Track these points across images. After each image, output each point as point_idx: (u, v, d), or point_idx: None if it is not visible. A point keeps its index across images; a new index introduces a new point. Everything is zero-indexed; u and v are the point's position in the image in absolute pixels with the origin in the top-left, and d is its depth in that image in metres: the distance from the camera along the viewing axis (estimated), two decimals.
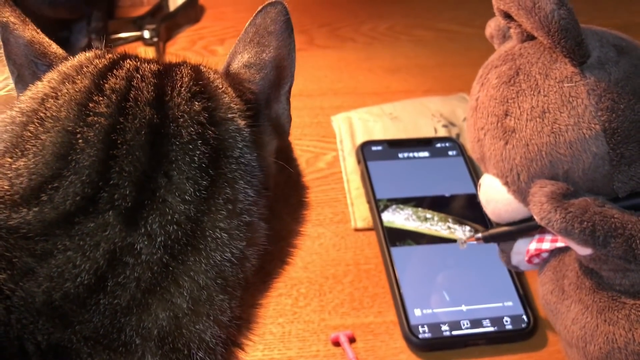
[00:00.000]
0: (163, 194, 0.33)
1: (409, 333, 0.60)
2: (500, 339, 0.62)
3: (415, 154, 0.77)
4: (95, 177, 0.33)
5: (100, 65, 0.38)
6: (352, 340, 0.61)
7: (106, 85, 0.36)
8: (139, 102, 0.35)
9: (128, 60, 0.39)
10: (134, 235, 0.33)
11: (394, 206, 0.70)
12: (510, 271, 0.65)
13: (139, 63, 0.39)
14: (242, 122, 0.37)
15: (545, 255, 0.55)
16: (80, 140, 0.34)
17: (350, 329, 0.61)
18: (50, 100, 0.36)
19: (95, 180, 0.33)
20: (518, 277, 0.65)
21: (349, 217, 0.71)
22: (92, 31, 0.89)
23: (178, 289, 0.33)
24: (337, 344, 0.60)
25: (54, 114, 0.35)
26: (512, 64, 0.50)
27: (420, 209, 0.70)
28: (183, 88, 0.37)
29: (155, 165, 0.34)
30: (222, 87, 0.38)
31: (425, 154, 0.77)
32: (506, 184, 0.52)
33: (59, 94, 0.36)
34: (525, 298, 0.64)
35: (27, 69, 0.40)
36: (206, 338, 0.33)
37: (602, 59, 0.47)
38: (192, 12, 1.01)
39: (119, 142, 0.34)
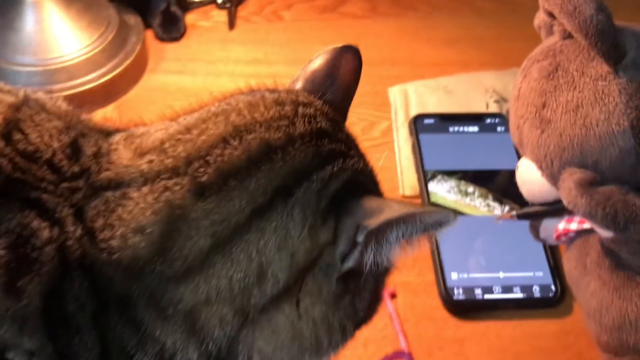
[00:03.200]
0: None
1: (445, 294, 0.67)
2: (529, 305, 0.68)
3: (465, 129, 0.81)
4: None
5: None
6: (393, 296, 0.68)
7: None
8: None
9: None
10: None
11: (439, 176, 0.76)
12: (544, 245, 0.70)
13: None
14: None
15: (572, 234, 0.59)
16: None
17: (392, 286, 0.68)
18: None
19: None
20: (551, 251, 0.71)
21: (398, 184, 0.77)
22: None
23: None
24: None
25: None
26: (552, 60, 0.54)
27: (462, 182, 0.75)
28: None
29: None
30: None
31: (475, 129, 0.81)
32: (540, 168, 0.57)
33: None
34: (556, 270, 0.69)
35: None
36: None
37: (636, 61, 0.51)
38: None
39: None
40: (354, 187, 0.42)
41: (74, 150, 0.42)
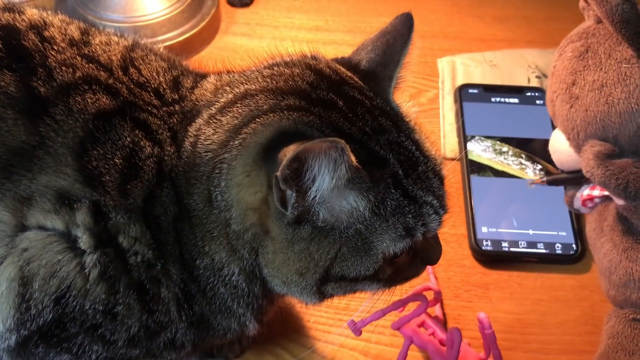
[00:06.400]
0: None
1: (475, 244, 0.75)
2: (550, 260, 0.75)
3: (506, 100, 0.88)
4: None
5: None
6: None
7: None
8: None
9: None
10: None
11: (476, 137, 0.84)
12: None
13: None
14: None
15: (597, 200, 0.67)
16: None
17: None
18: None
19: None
20: (576, 214, 0.78)
21: (440, 147, 0.85)
22: None
23: None
24: None
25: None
26: (584, 42, 0.61)
27: (497, 142, 0.83)
28: None
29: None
30: None
31: (515, 100, 0.88)
32: (568, 139, 0.64)
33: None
34: (579, 232, 0.76)
35: None
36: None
37: None
38: None
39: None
40: (290, 137, 0.44)
41: (175, 84, 0.54)
